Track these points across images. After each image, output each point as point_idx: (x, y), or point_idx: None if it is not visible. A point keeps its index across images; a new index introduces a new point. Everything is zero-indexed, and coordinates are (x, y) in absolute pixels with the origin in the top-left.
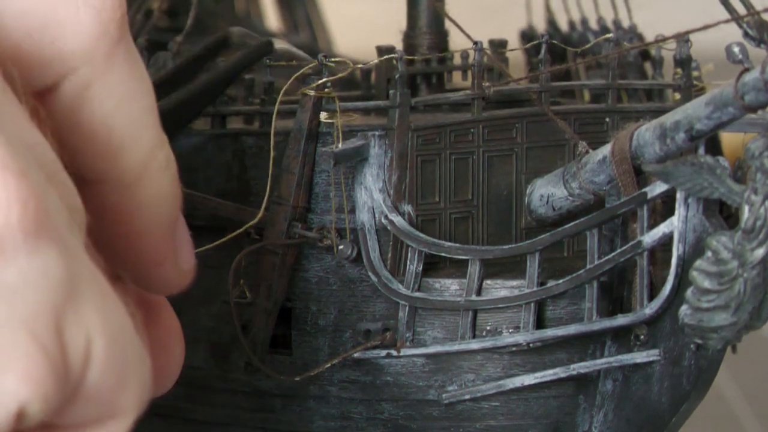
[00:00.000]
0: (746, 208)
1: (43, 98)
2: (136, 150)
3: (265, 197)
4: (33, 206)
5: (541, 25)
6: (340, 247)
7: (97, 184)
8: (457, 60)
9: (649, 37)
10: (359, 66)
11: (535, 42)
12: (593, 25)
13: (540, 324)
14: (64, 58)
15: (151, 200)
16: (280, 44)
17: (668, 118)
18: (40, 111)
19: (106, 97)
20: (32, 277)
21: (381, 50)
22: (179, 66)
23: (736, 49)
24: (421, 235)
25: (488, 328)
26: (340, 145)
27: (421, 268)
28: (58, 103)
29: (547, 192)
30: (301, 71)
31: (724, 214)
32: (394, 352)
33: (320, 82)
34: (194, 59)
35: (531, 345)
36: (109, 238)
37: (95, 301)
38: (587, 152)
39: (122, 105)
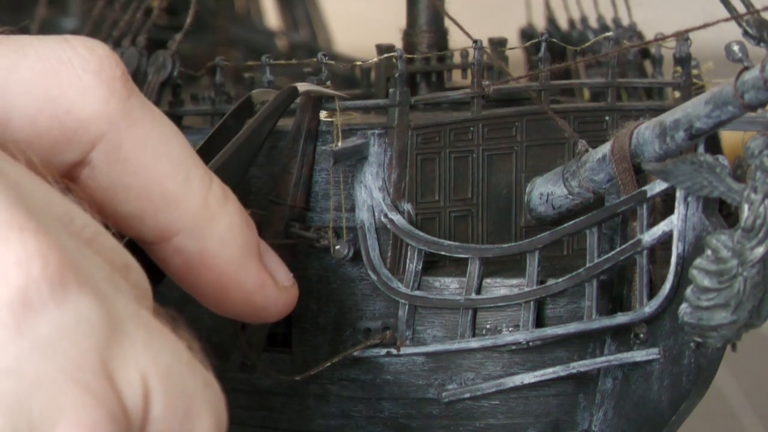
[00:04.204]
0: (746, 207)
1: (79, 175)
2: (192, 189)
3: None
4: (55, 258)
5: (540, 24)
6: (337, 247)
7: (173, 238)
8: (457, 58)
9: (649, 35)
10: (359, 64)
11: (534, 40)
12: (593, 23)
13: (540, 322)
14: (86, 126)
15: (227, 232)
16: (304, 87)
17: (668, 117)
18: (73, 188)
19: (140, 151)
20: (67, 326)
21: (381, 49)
22: (209, 139)
23: (735, 48)
24: (421, 233)
25: (488, 326)
26: (339, 144)
27: (420, 267)
28: (99, 175)
29: (547, 190)
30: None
31: (723, 213)
32: (393, 351)
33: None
34: (222, 129)
35: (531, 343)
36: (207, 287)
37: (142, 338)
38: (587, 151)
39: (159, 152)
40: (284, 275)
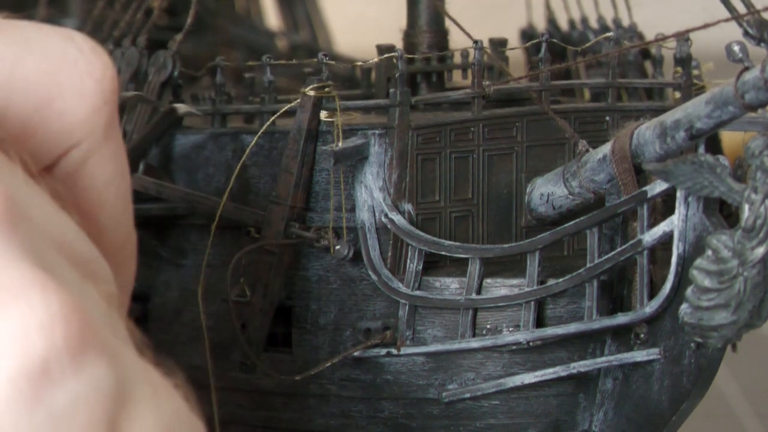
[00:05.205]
0: (746, 207)
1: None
2: (118, 230)
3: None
4: (77, 323)
5: (541, 24)
6: (337, 247)
7: (86, 264)
8: (458, 59)
9: (649, 35)
10: (359, 64)
11: (535, 41)
12: (593, 23)
13: (540, 322)
14: (70, 130)
15: (123, 284)
16: (182, 108)
17: (668, 117)
18: (60, 190)
19: (100, 171)
20: (82, 395)
21: (381, 49)
22: (136, 145)
23: (736, 48)
24: (422, 233)
25: (488, 326)
26: (340, 144)
27: (421, 267)
28: (53, 179)
29: (547, 191)
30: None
31: (724, 213)
32: (394, 351)
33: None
34: (148, 138)
35: (531, 343)
36: None
37: (147, 396)
38: (587, 151)
39: (112, 181)
40: None
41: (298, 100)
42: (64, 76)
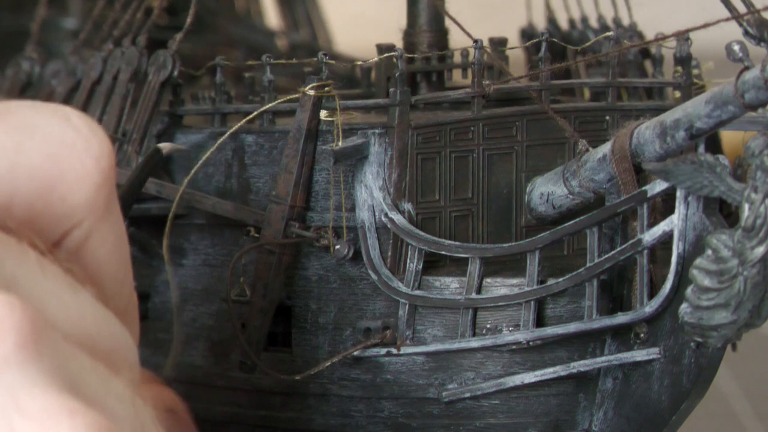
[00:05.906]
0: (746, 207)
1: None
2: (121, 296)
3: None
4: None
5: (541, 24)
6: (337, 246)
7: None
8: (457, 58)
9: (649, 35)
10: (359, 63)
11: (535, 40)
12: (593, 23)
13: (540, 322)
14: (72, 212)
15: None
16: (166, 147)
17: (668, 117)
18: (75, 270)
19: (101, 245)
20: None
21: (381, 48)
22: (124, 193)
23: (736, 48)
24: (421, 233)
25: (488, 326)
26: (340, 144)
27: (421, 267)
28: (62, 254)
29: (547, 190)
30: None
31: (724, 213)
32: (394, 351)
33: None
34: (137, 181)
35: (531, 343)
36: None
37: None
38: (587, 150)
39: (113, 252)
40: None
41: (293, 95)
42: (64, 160)
